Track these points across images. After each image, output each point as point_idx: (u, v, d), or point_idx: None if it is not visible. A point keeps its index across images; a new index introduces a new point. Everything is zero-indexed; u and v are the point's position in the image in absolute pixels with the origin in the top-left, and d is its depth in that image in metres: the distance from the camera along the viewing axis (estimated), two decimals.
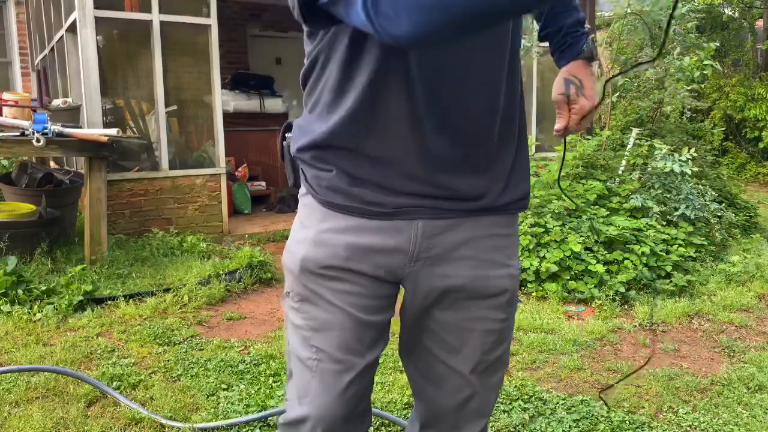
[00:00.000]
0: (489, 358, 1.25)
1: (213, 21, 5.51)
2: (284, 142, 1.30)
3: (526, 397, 2.60)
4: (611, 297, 3.78)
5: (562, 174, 4.96)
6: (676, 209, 4.83)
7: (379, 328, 1.22)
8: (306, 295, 1.20)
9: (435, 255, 1.18)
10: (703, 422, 2.43)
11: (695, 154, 5.16)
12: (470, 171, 1.15)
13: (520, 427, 2.37)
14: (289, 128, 1.29)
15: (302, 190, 1.27)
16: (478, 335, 1.23)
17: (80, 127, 4.55)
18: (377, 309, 1.20)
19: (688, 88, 5.83)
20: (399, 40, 0.84)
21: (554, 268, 3.89)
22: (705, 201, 5.08)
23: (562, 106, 1.23)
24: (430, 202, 1.15)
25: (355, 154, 1.14)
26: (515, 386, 2.68)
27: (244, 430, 2.32)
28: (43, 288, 3.67)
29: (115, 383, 2.66)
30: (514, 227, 1.27)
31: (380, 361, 2.26)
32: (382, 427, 2.34)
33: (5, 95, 5.27)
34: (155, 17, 5.25)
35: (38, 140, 3.98)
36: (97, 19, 5.01)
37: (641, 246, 4.14)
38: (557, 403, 2.55)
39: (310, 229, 1.20)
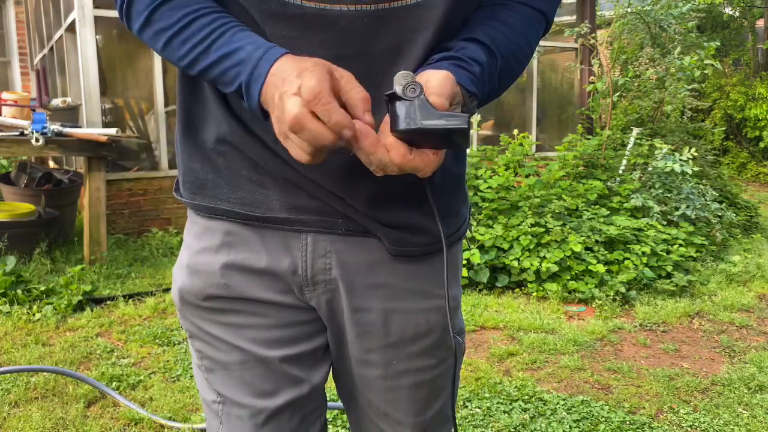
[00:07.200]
0: (424, 419, 1.00)
1: None
2: None
3: (526, 397, 2.59)
4: (612, 297, 3.77)
5: (564, 173, 4.95)
6: (677, 209, 4.82)
7: (299, 360, 0.94)
8: (194, 333, 0.97)
9: (335, 278, 0.90)
10: (704, 423, 2.42)
11: (696, 154, 5.15)
12: None
13: (520, 427, 2.36)
14: None
15: None
16: (405, 393, 0.97)
17: (79, 127, 4.54)
18: (291, 339, 0.93)
19: (689, 87, 5.82)
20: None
21: (554, 268, 3.89)
22: (706, 201, 5.07)
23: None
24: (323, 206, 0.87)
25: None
26: (515, 387, 2.68)
27: None
28: (43, 288, 3.66)
29: (114, 383, 2.66)
30: (454, 248, 0.99)
31: None
32: None
33: (4, 95, 5.25)
34: None
35: (37, 140, 3.97)
36: (97, 19, 5.00)
37: (642, 246, 4.14)
38: (557, 403, 2.55)
39: (186, 251, 0.96)
